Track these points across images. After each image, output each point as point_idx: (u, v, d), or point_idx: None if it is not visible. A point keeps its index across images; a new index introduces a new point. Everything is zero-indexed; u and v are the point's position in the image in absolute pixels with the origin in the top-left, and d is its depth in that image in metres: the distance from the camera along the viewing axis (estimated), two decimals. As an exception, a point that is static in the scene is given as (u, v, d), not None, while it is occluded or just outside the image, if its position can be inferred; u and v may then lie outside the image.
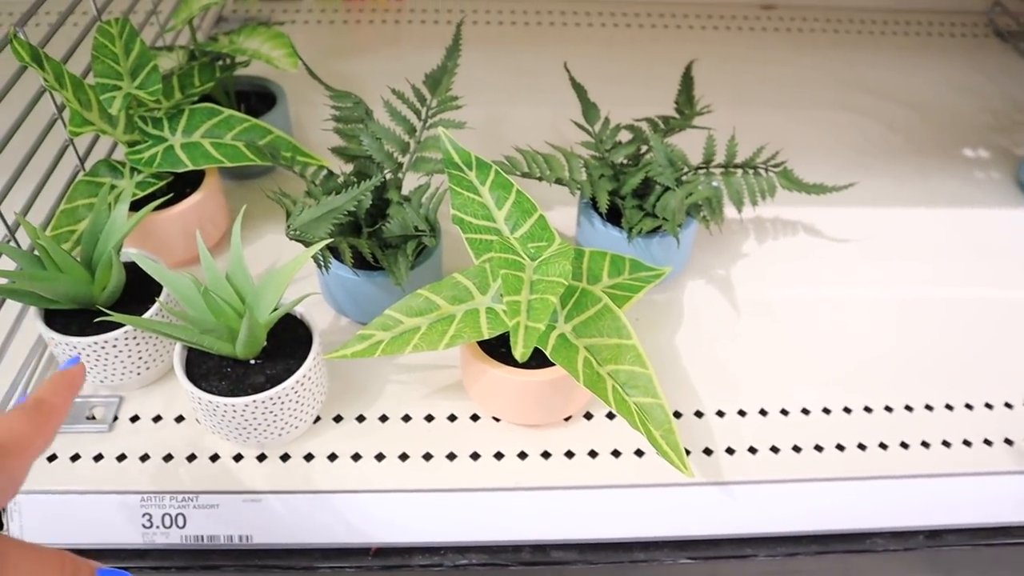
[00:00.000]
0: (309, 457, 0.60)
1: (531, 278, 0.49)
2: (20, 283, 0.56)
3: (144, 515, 0.59)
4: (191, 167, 0.65)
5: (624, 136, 0.71)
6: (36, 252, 0.61)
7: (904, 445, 0.62)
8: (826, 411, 0.64)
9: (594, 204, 0.70)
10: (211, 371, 0.56)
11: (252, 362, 0.57)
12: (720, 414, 0.64)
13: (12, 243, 0.62)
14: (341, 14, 1.10)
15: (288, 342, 0.58)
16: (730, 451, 0.61)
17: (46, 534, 0.59)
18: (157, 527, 0.59)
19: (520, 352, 0.43)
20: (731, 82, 0.99)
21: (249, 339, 0.54)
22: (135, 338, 0.59)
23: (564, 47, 1.06)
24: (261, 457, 0.60)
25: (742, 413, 0.64)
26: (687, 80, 0.74)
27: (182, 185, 0.70)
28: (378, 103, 0.67)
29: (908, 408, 0.65)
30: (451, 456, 0.60)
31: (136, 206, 0.67)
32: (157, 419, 0.62)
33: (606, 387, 0.53)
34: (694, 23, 1.12)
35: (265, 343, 0.57)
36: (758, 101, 0.98)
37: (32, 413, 0.43)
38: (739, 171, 0.70)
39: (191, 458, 0.60)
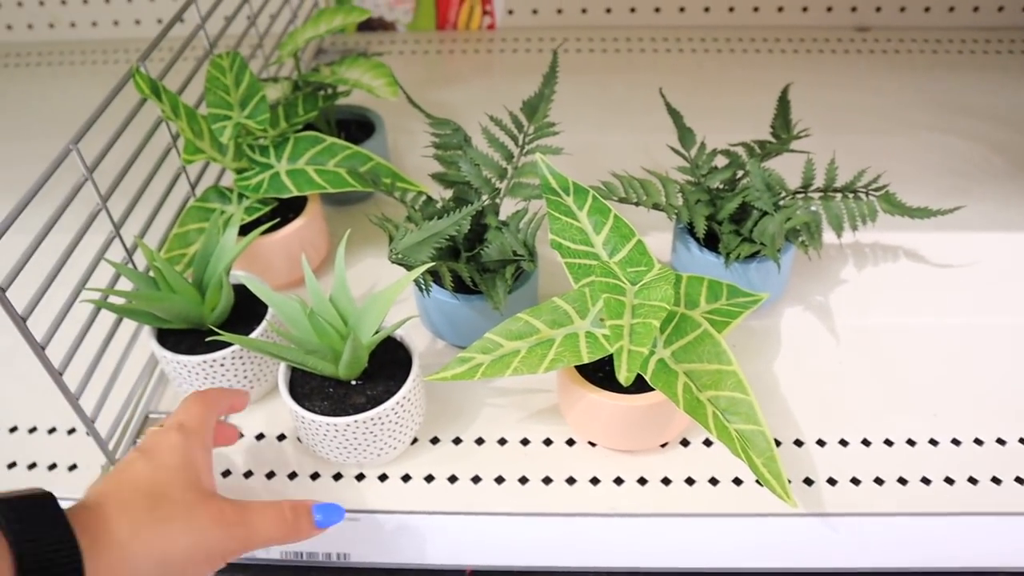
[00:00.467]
0: (407, 478, 0.60)
1: (632, 302, 0.49)
2: (137, 303, 0.59)
3: (247, 530, 0.60)
4: (296, 193, 0.67)
5: (720, 161, 0.71)
6: (151, 274, 0.64)
7: (1020, 480, 0.59)
8: (933, 443, 0.62)
9: (690, 229, 0.69)
10: (314, 391, 0.58)
11: (354, 383, 0.58)
12: (821, 443, 0.62)
13: (130, 264, 0.65)
14: (435, 44, 1.13)
15: (388, 364, 0.59)
16: (832, 482, 0.60)
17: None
18: (259, 542, 0.60)
19: (624, 376, 0.43)
20: (826, 106, 0.98)
21: (352, 360, 0.55)
22: (241, 357, 0.61)
23: (654, 74, 1.07)
24: (360, 476, 0.61)
25: (844, 443, 0.62)
26: (783, 104, 0.73)
27: (285, 211, 0.73)
28: (474, 130, 0.69)
29: (1022, 441, 0.62)
30: (547, 480, 0.60)
31: (243, 230, 0.70)
32: (260, 437, 0.64)
33: (706, 413, 0.52)
34: (786, 47, 1.11)
35: (366, 364, 0.58)
36: (854, 125, 0.96)
37: (202, 396, 0.53)
38: (838, 195, 0.69)
39: (292, 476, 0.61)
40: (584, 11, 1.15)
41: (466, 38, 1.14)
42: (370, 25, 1.15)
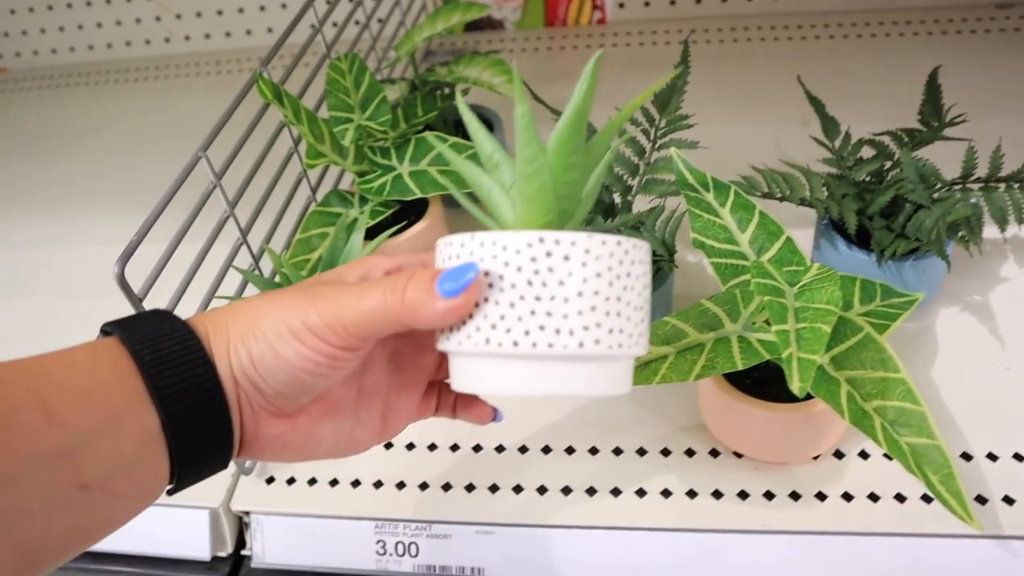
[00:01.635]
0: (542, 490, 0.58)
1: (794, 305, 0.45)
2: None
3: (378, 542, 0.59)
4: (419, 195, 0.65)
5: (865, 152, 0.66)
6: (277, 279, 0.63)
7: None
8: (1123, 457, 0.56)
9: (834, 225, 0.65)
10: None
11: None
12: (992, 457, 0.57)
13: (256, 271, 0.64)
14: (544, 41, 1.11)
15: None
16: (1008, 500, 0.54)
17: (286, 555, 0.61)
18: (391, 554, 0.59)
19: (797, 386, 0.39)
20: (973, 90, 0.90)
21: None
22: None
23: (776, 63, 1.01)
24: (493, 488, 0.59)
25: (1019, 457, 0.56)
26: (933, 88, 0.67)
27: (405, 214, 0.71)
28: (593, 124, 0.66)
29: None
30: (691, 493, 0.56)
31: (367, 233, 0.68)
32: (388, 446, 0.63)
33: (875, 425, 0.47)
34: (919, 29, 1.04)
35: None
36: (1006, 109, 0.88)
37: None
38: (1002, 186, 0.63)
39: (423, 486, 0.60)
40: (698, 1, 1.10)
41: (576, 34, 1.11)
42: (478, 25, 1.13)
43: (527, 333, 0.33)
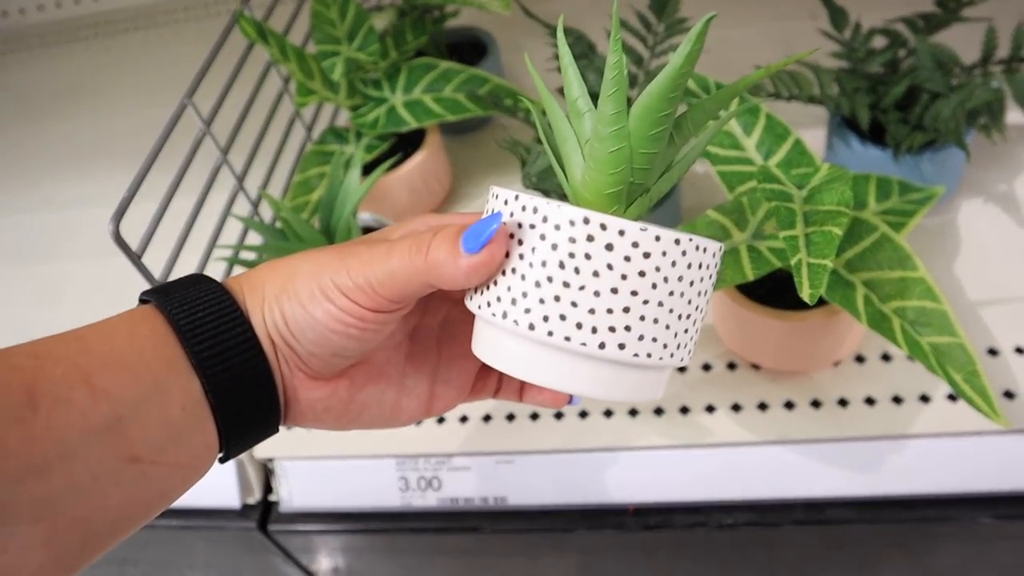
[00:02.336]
0: (559, 416, 0.57)
1: (803, 209, 0.44)
2: (268, 256, 0.57)
3: (400, 478, 0.59)
4: (415, 125, 0.63)
5: (878, 42, 0.62)
6: (278, 224, 0.62)
7: None
8: None
9: (846, 122, 0.62)
10: None
11: None
12: (1020, 351, 0.55)
13: (255, 218, 0.63)
14: (537, -47, 1.06)
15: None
16: (1037, 393, 0.53)
17: (313, 499, 0.61)
18: (413, 490, 0.59)
19: (808, 293, 0.38)
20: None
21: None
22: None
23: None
24: (510, 417, 0.58)
25: (1048, 349, 0.55)
26: (947, -34, 0.63)
27: (404, 144, 0.69)
28: (593, 35, 0.63)
29: None
30: (710, 408, 0.55)
31: (364, 170, 0.67)
32: (404, 382, 0.62)
33: (894, 327, 0.46)
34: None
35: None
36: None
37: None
38: (1024, 66, 0.60)
39: (440, 421, 0.59)
40: None
41: (570, -57, 1.06)
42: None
43: (545, 319, 0.30)
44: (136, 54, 1.12)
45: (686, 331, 0.31)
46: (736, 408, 0.55)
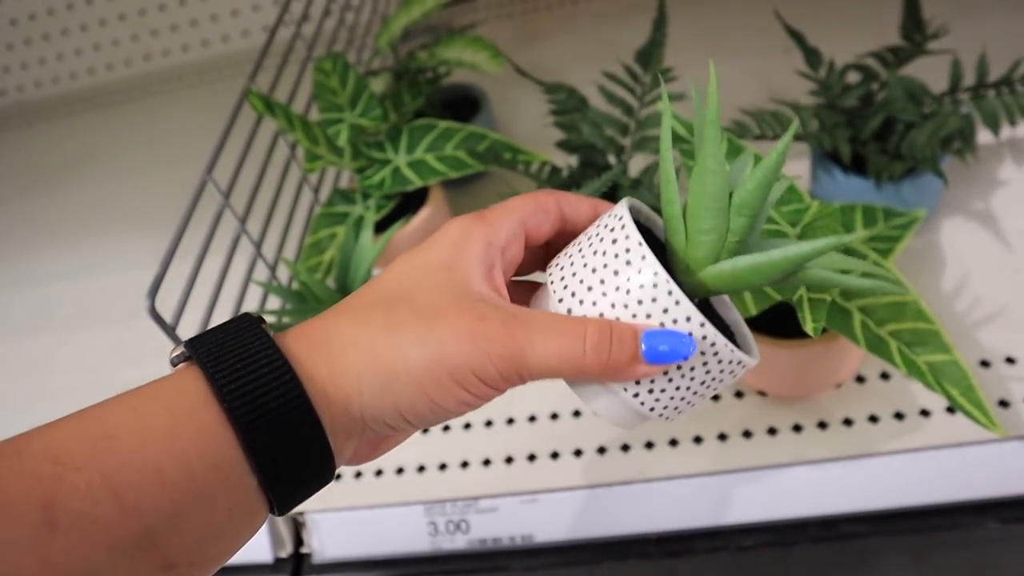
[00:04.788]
0: (578, 453, 0.60)
1: (798, 246, 0.47)
2: (290, 319, 0.60)
3: (429, 523, 0.61)
4: (420, 184, 0.67)
5: (852, 77, 0.66)
6: (295, 287, 0.65)
7: None
8: None
9: (829, 155, 0.65)
10: None
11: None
12: (1010, 361, 0.58)
13: (274, 281, 0.66)
14: (516, 5, 1.10)
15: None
16: (1030, 400, 0.56)
17: (344, 548, 0.63)
18: (443, 534, 0.61)
19: (811, 327, 0.41)
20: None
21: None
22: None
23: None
24: (531, 457, 0.61)
25: (1036, 357, 0.58)
26: (911, 2, 0.67)
27: (408, 201, 0.72)
28: (578, 83, 0.66)
29: None
30: (722, 437, 0.58)
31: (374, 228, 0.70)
32: (426, 431, 0.65)
33: (891, 349, 0.49)
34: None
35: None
36: (992, 5, 0.88)
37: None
38: (990, 92, 0.63)
39: (464, 465, 0.62)
40: (666, -58, 1.10)
41: (548, -7, 1.11)
42: (450, -2, 1.13)
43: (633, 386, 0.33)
44: (135, 125, 1.15)
45: (696, 404, 0.35)
46: (747, 434, 0.58)
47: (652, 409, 0.33)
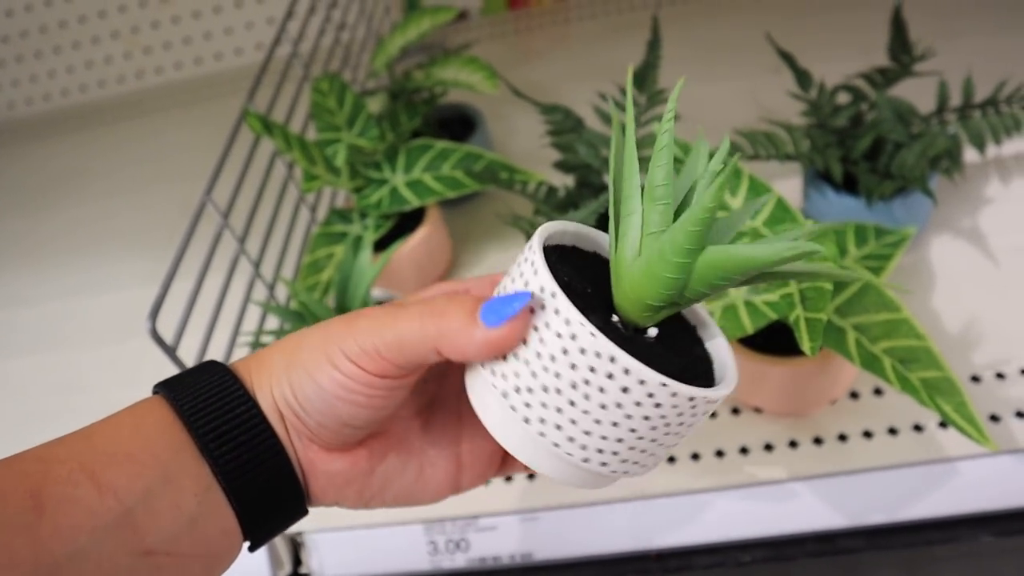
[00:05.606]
0: (578, 470, 0.60)
1: (794, 266, 0.48)
2: (291, 338, 0.60)
3: (429, 542, 0.61)
4: (417, 204, 0.67)
5: (842, 97, 0.67)
6: (293, 305, 0.65)
7: None
8: (1124, 358, 0.58)
9: (820, 174, 0.66)
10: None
11: (648, 329, 0.35)
12: (1000, 376, 0.59)
13: (272, 301, 0.66)
14: (511, 25, 1.11)
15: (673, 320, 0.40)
16: (1021, 415, 0.57)
17: (344, 568, 0.63)
18: (443, 553, 0.61)
19: (809, 346, 0.41)
20: (937, 11, 0.92)
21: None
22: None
23: (744, 12, 1.02)
24: (531, 476, 0.61)
25: (1025, 372, 0.59)
26: (897, 25, 0.69)
27: (405, 219, 0.73)
28: (571, 102, 0.67)
29: None
30: (719, 453, 0.59)
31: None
32: (424, 448, 0.65)
33: (884, 366, 0.50)
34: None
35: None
36: (978, 25, 0.89)
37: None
38: (976, 112, 0.65)
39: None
40: (656, -38, 1.11)
41: (540, 13, 1.12)
42: (442, 17, 1.14)
43: (542, 421, 0.30)
44: (128, 143, 1.15)
45: (661, 456, 0.32)
46: (744, 451, 0.59)
47: (605, 464, 0.30)
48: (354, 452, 0.35)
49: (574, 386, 0.29)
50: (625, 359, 0.28)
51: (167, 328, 0.52)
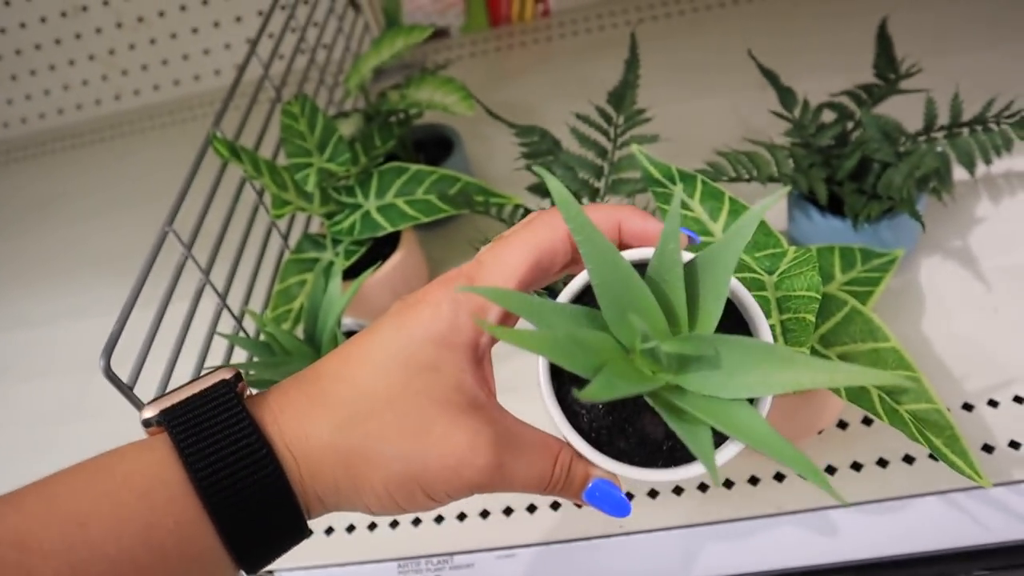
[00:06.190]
0: (555, 506, 0.58)
1: (775, 295, 0.45)
2: (259, 372, 0.58)
3: (404, 581, 0.59)
4: (390, 229, 0.65)
5: (827, 116, 0.65)
6: (263, 338, 0.63)
7: None
8: (1121, 384, 0.56)
9: (805, 196, 0.64)
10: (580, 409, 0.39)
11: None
12: (993, 404, 0.57)
13: (240, 333, 0.64)
14: (492, 43, 1.10)
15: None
16: (1015, 445, 0.54)
17: (316, 608, 0.61)
18: (418, 592, 0.59)
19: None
20: (926, 27, 0.90)
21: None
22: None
23: (731, 24, 1.01)
24: (507, 511, 0.59)
25: (1019, 400, 0.57)
26: (883, 41, 0.67)
27: (380, 245, 0.71)
28: (549, 124, 0.65)
29: None
30: (702, 488, 0.57)
31: (344, 274, 0.68)
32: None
33: (872, 399, 0.48)
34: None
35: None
36: (966, 41, 0.87)
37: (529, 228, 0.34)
38: (965, 130, 0.63)
39: (439, 520, 0.60)
40: (639, -22, 1.10)
41: (522, 30, 1.10)
42: (423, 35, 1.12)
43: None
44: (106, 165, 1.13)
45: None
46: (728, 484, 0.56)
47: None
48: None
49: None
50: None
51: (127, 362, 0.50)
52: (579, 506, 0.34)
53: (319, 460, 0.30)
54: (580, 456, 0.32)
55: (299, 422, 0.30)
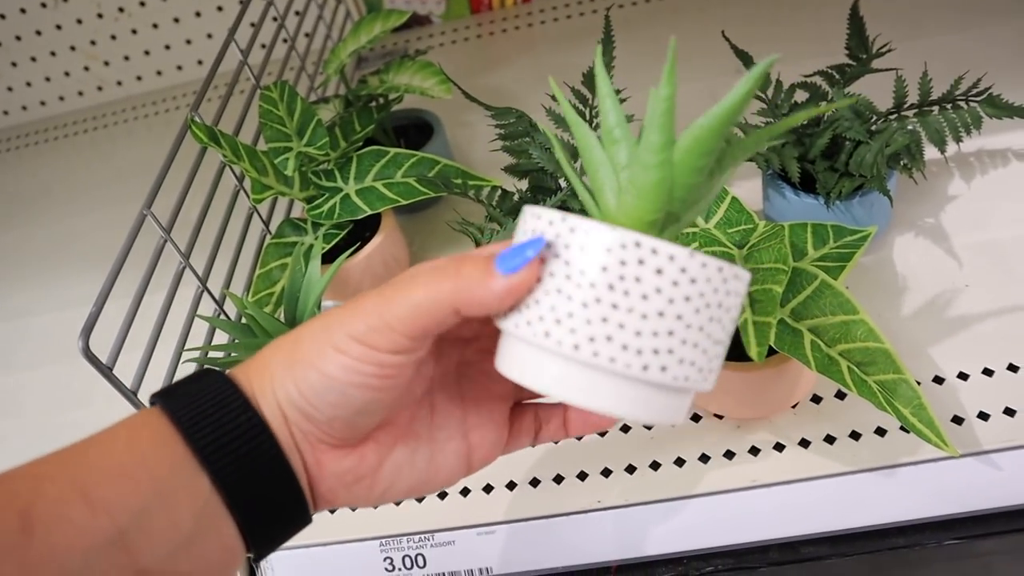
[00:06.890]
0: (535, 482, 0.59)
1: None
2: (239, 354, 0.58)
3: (385, 559, 0.60)
4: (369, 212, 0.66)
5: (799, 96, 0.66)
6: (244, 321, 0.64)
7: None
8: (1088, 355, 0.57)
9: (779, 175, 0.65)
10: None
11: None
12: (963, 376, 0.58)
13: (221, 315, 0.65)
14: (473, 30, 1.10)
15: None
16: (983, 416, 0.55)
17: (299, 587, 0.62)
18: (399, 569, 0.60)
19: (755, 351, 0.40)
20: (896, 14, 0.91)
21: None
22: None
23: (710, 10, 1.01)
24: (487, 488, 0.60)
25: (988, 372, 0.58)
26: (856, 21, 0.68)
27: (361, 229, 0.71)
28: (529, 110, 0.66)
29: None
30: (679, 462, 0.57)
31: (325, 257, 0.68)
32: (380, 463, 0.63)
33: (841, 369, 0.49)
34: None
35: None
36: (937, 23, 0.88)
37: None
38: (935, 108, 0.64)
39: (420, 499, 0.61)
40: (619, -36, 1.10)
41: (503, 16, 1.11)
42: (405, 23, 1.13)
43: (592, 340, 0.29)
44: (87, 156, 1.13)
45: (717, 356, 0.32)
46: (704, 458, 0.57)
47: (664, 368, 0.30)
48: (361, 447, 0.34)
49: (611, 287, 0.29)
50: (650, 241, 0.29)
51: (109, 347, 0.50)
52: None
53: (260, 360, 0.33)
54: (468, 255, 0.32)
55: (260, 356, 0.33)
